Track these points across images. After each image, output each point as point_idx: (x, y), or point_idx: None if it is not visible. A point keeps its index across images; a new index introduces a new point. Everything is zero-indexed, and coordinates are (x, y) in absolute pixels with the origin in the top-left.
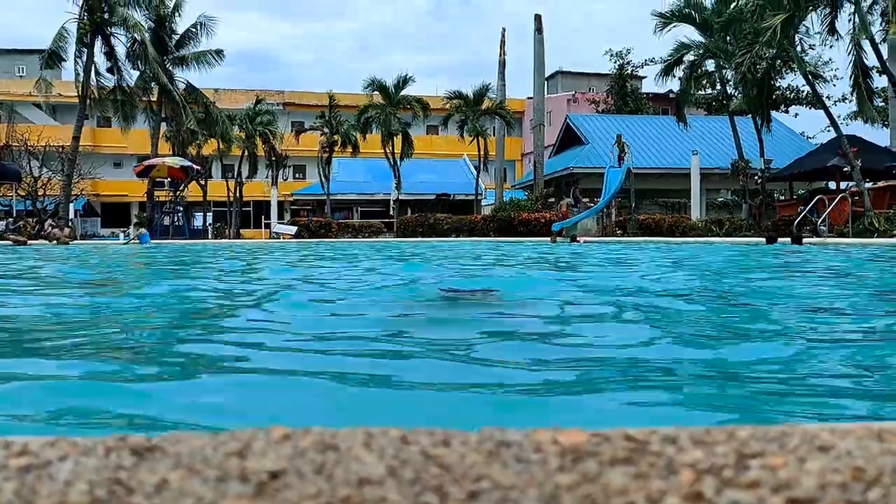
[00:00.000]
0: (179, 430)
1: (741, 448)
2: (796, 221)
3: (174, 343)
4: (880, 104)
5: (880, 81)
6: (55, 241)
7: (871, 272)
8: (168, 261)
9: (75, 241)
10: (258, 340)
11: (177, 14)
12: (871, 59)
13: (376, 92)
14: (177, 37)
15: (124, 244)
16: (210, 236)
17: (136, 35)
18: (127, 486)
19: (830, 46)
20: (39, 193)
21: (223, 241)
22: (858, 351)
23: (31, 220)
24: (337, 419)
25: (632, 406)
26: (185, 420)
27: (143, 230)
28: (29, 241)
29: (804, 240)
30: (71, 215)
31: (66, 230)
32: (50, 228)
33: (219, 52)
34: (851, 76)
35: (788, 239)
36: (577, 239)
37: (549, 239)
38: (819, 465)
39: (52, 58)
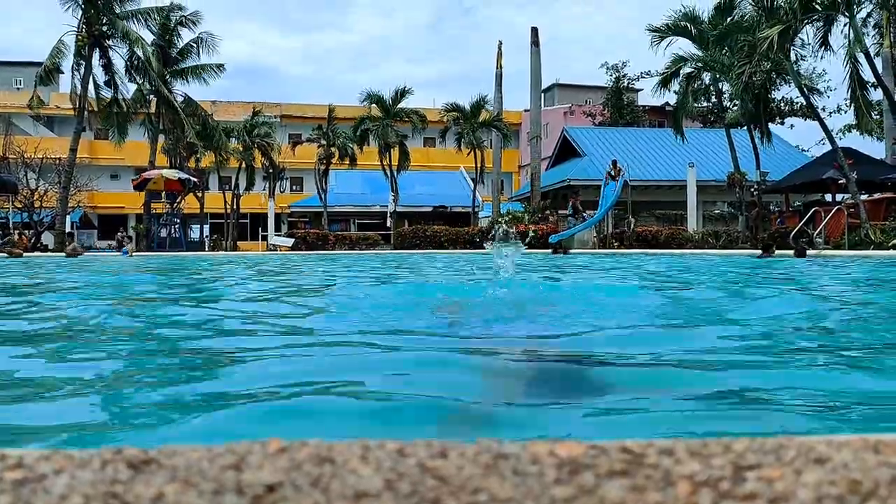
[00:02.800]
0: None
1: (738, 460)
2: (793, 234)
3: (171, 355)
4: (876, 117)
5: (875, 94)
6: (65, 255)
7: (871, 284)
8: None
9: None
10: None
11: (182, 28)
12: (865, 73)
13: (374, 105)
14: (177, 50)
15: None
16: (207, 248)
17: (136, 49)
18: (123, 499)
19: (821, 58)
20: (36, 206)
21: (220, 252)
22: (855, 363)
23: (27, 231)
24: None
25: (630, 418)
26: (182, 432)
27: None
28: (25, 254)
29: (800, 252)
30: (68, 227)
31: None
32: (69, 243)
33: (219, 66)
34: (848, 89)
35: (785, 251)
36: (558, 251)
37: (549, 251)
38: (815, 478)
39: (48, 74)
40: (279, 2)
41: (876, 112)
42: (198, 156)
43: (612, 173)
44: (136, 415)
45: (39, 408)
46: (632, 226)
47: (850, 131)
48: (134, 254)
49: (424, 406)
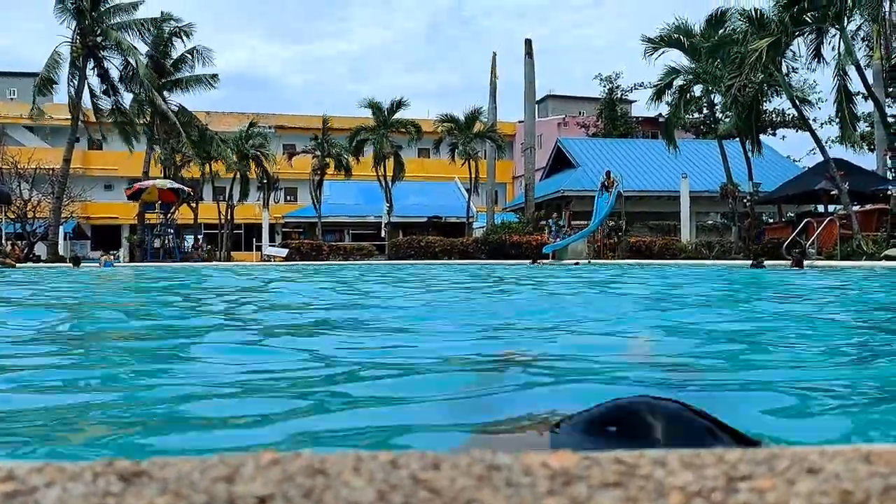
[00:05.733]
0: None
1: (730, 471)
2: (786, 244)
3: (161, 365)
4: (866, 128)
5: (866, 106)
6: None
7: (865, 294)
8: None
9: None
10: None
11: (176, 38)
12: (855, 85)
13: (369, 113)
14: (171, 61)
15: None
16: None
17: (130, 59)
18: None
19: (813, 70)
20: (29, 216)
21: (212, 263)
22: (848, 372)
23: (20, 242)
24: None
25: None
26: (174, 444)
27: (108, 258)
28: (17, 265)
29: (797, 262)
30: (61, 238)
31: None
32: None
33: (213, 77)
34: (836, 101)
35: (777, 262)
36: (538, 262)
37: (546, 261)
38: (808, 488)
39: (45, 84)
40: (275, 12)
41: (867, 124)
42: (198, 166)
43: (606, 184)
44: (125, 427)
45: (32, 419)
46: (621, 232)
47: (840, 143)
48: (116, 265)
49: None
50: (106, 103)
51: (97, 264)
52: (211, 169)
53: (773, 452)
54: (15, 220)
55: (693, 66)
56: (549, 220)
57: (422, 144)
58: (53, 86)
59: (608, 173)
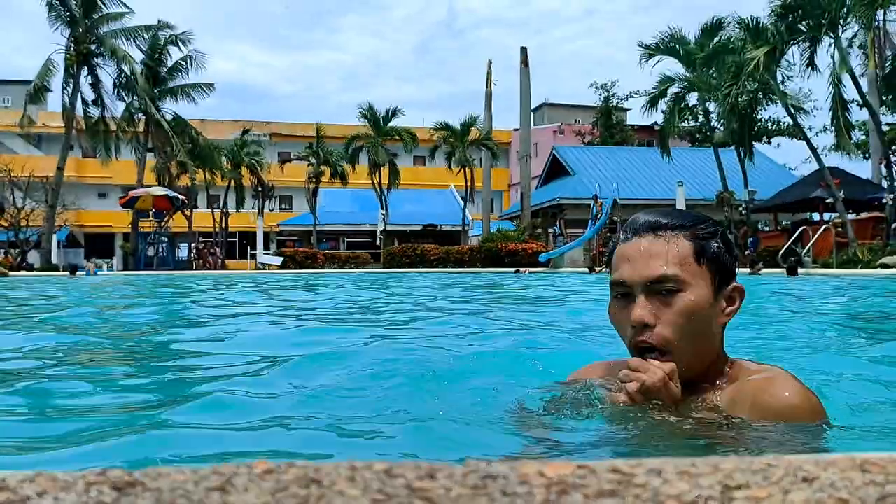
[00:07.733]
0: (161, 464)
1: (726, 480)
2: (781, 252)
3: (154, 375)
4: (861, 137)
5: (862, 114)
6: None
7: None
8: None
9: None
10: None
11: (172, 47)
12: (850, 93)
13: (364, 122)
14: (166, 69)
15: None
16: (194, 267)
17: (125, 67)
18: None
19: (808, 77)
20: (22, 224)
21: (204, 271)
22: (843, 380)
23: (13, 251)
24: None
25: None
26: (168, 453)
27: (91, 267)
28: (10, 273)
29: (791, 270)
30: (54, 246)
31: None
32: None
33: (209, 86)
34: (830, 109)
35: (772, 270)
36: (522, 271)
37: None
38: (803, 497)
39: (37, 93)
40: (269, 21)
41: (862, 132)
42: (190, 175)
43: (595, 207)
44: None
45: (23, 428)
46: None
47: (835, 151)
48: (108, 273)
49: None
50: (95, 112)
51: (85, 272)
52: (206, 177)
53: (768, 462)
54: (8, 229)
55: (688, 74)
56: (555, 227)
57: (417, 152)
58: (47, 94)
59: (595, 197)
